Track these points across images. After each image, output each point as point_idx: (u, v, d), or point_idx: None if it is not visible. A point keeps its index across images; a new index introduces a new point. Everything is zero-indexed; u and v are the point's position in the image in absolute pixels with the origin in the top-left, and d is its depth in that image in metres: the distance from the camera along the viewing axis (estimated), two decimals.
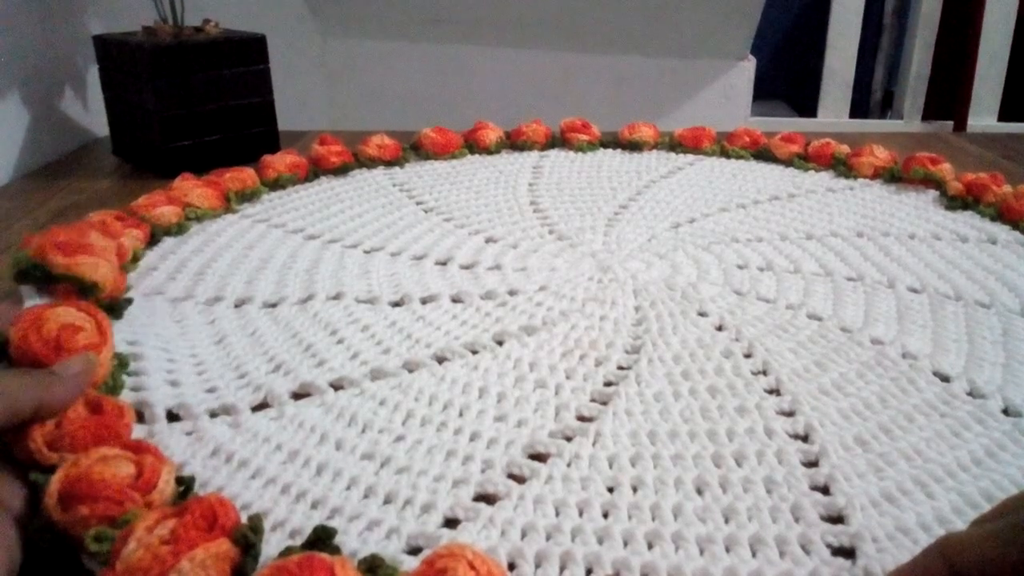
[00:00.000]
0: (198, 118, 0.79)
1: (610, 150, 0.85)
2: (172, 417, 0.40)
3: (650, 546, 0.32)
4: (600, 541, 0.32)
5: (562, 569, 0.31)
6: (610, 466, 0.36)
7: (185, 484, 0.33)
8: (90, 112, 0.94)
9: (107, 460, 0.31)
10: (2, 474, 0.32)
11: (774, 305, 0.52)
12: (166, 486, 0.32)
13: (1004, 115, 1.45)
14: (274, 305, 0.52)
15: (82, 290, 0.47)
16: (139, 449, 0.33)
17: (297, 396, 0.42)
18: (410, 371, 0.44)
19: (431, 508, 0.34)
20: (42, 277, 0.46)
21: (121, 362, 0.43)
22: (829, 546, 0.32)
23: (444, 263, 0.58)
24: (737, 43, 1.22)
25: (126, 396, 0.41)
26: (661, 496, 0.34)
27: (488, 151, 0.83)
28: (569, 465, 0.36)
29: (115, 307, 0.49)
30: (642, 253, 0.61)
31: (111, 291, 0.48)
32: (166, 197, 0.64)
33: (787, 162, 0.81)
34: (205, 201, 0.65)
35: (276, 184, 0.72)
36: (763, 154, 0.83)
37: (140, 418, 0.40)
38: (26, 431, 0.33)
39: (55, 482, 0.31)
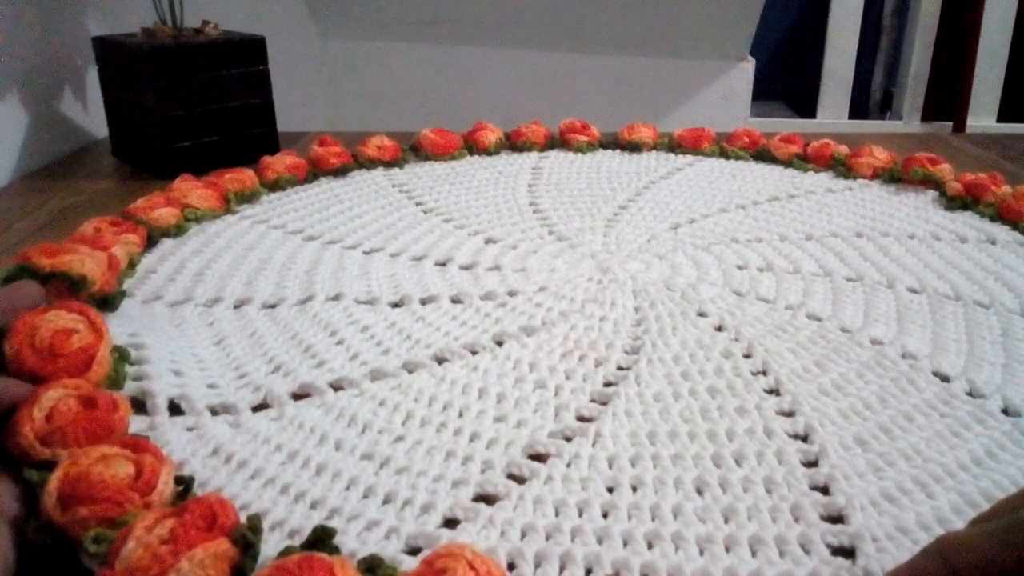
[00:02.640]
0: (197, 119, 0.79)
1: (609, 151, 0.86)
2: (173, 410, 0.40)
3: (650, 546, 0.32)
4: (600, 541, 0.32)
5: (562, 569, 0.31)
6: (610, 466, 0.36)
7: (184, 484, 0.33)
8: (90, 113, 0.94)
9: (107, 460, 0.31)
10: None
11: (774, 305, 0.52)
12: (165, 487, 0.32)
13: (1003, 116, 1.45)
14: (273, 306, 0.52)
15: (72, 285, 0.47)
16: (138, 447, 0.33)
17: (297, 397, 0.42)
18: (410, 372, 0.44)
19: (431, 508, 0.34)
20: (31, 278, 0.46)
21: (122, 355, 0.43)
22: (829, 546, 0.32)
23: (444, 264, 0.58)
24: (737, 44, 1.22)
25: (129, 386, 0.41)
26: (661, 496, 0.34)
27: (487, 152, 0.83)
28: (569, 465, 0.36)
29: (108, 300, 0.49)
30: (642, 254, 0.61)
31: (102, 285, 0.48)
32: (165, 198, 0.64)
33: (786, 163, 0.81)
34: (204, 202, 0.65)
35: (275, 185, 0.72)
36: (762, 155, 0.83)
37: (141, 408, 0.40)
38: (16, 426, 0.33)
39: (54, 481, 0.30)
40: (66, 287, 0.46)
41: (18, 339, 0.38)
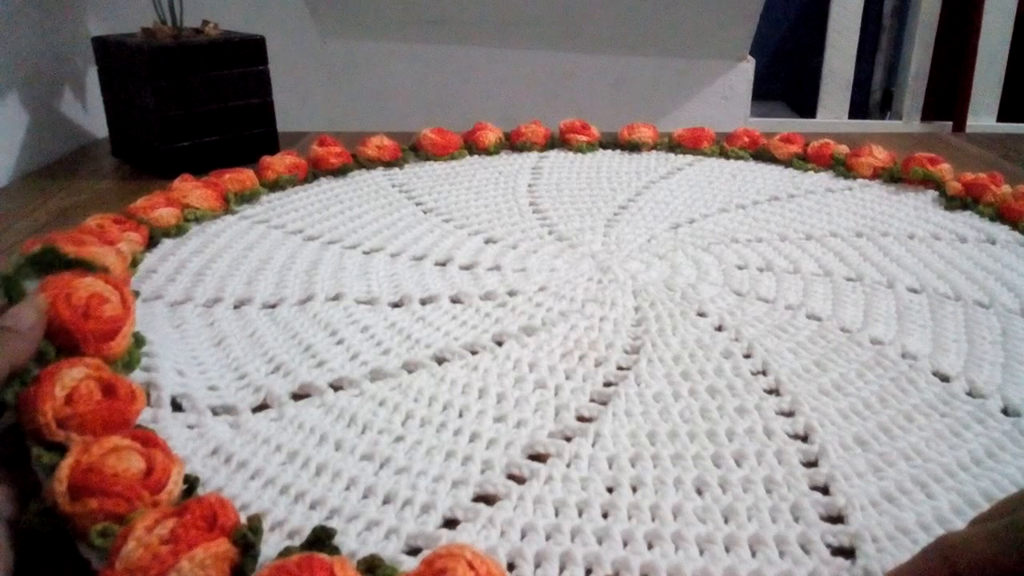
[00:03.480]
0: (197, 119, 0.79)
1: (609, 151, 0.86)
2: (175, 406, 0.40)
3: (650, 546, 0.32)
4: (600, 541, 0.32)
5: (562, 569, 0.31)
6: (610, 466, 0.36)
7: (189, 483, 0.33)
8: (89, 113, 0.94)
9: (118, 452, 0.31)
10: None
11: (773, 305, 0.52)
12: (175, 487, 0.32)
13: (1003, 115, 1.45)
14: (273, 306, 0.52)
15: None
16: (148, 441, 0.33)
17: (297, 397, 0.42)
18: (410, 372, 0.44)
19: (430, 508, 0.34)
20: (53, 263, 0.46)
21: (138, 340, 0.43)
22: (829, 546, 0.32)
23: (443, 264, 0.58)
24: (737, 43, 1.22)
25: (137, 375, 0.42)
26: (661, 496, 0.34)
27: (487, 152, 0.83)
28: (569, 465, 0.36)
29: None
30: (641, 254, 0.61)
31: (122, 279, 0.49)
32: (165, 198, 0.64)
33: (786, 162, 0.81)
34: (204, 202, 0.65)
35: (275, 185, 0.72)
36: (762, 154, 0.83)
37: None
38: (37, 403, 0.33)
39: (65, 468, 0.30)
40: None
41: (53, 292, 0.39)
